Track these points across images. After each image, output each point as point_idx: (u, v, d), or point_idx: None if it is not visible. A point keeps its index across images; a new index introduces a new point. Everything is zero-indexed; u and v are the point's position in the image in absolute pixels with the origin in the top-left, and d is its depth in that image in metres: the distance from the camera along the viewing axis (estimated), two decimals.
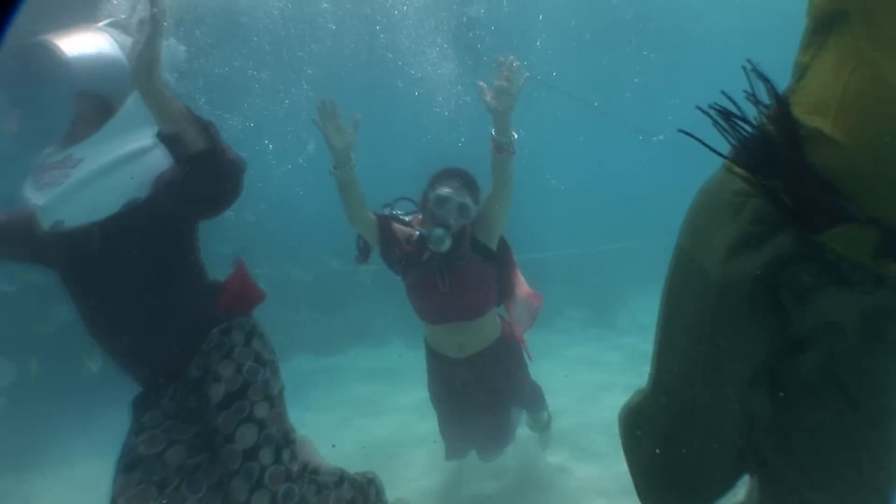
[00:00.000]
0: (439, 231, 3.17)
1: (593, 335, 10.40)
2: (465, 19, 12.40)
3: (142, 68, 1.92)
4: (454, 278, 3.34)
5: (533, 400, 4.33)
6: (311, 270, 11.50)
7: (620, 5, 15.01)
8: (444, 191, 3.22)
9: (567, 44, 16.32)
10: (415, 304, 3.57)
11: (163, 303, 2.32)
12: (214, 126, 2.07)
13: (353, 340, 10.22)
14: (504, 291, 3.63)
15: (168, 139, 2.03)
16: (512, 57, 2.92)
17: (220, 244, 10.73)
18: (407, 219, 3.48)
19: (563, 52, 16.24)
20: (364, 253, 3.42)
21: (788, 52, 1.69)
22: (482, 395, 3.81)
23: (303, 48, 11.47)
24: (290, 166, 11.92)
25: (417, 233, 3.33)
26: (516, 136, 3.03)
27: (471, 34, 12.90)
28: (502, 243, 3.51)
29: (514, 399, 4.10)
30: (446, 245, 3.17)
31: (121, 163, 2.20)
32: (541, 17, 14.73)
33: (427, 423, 4.88)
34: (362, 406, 7.16)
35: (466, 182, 3.31)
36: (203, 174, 2.08)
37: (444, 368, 3.77)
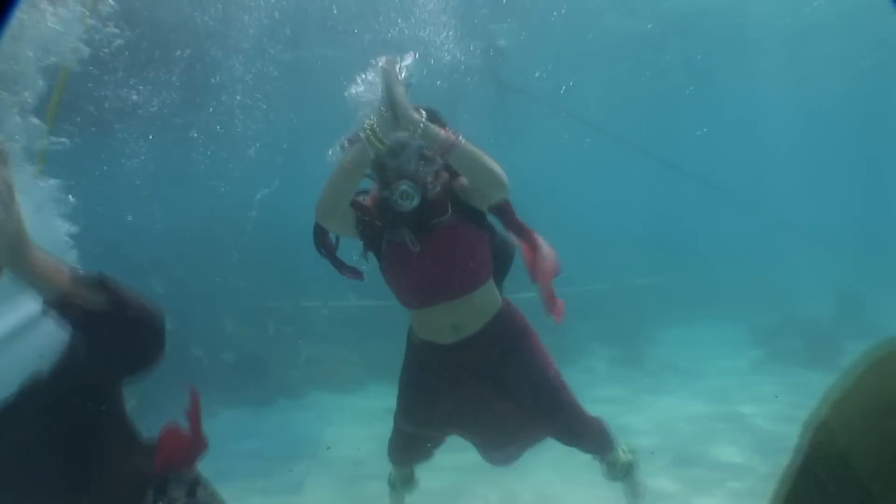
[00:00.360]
0: (405, 186, 2.65)
1: (620, 375, 10.23)
2: (491, 51, 12.57)
3: (2, 246, 1.64)
4: (431, 240, 2.78)
5: (572, 415, 3.19)
6: (329, 304, 11.54)
7: (648, 36, 15.07)
8: (399, 134, 2.60)
9: (593, 75, 16.38)
10: (394, 289, 3.00)
11: (97, 474, 2.11)
12: (111, 279, 1.85)
13: (370, 376, 10.16)
14: (519, 236, 3.05)
15: (57, 306, 1.77)
16: (382, 60, 2.53)
17: (237, 277, 10.72)
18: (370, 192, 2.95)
19: (589, 84, 16.30)
20: (352, 271, 2.94)
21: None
22: (482, 386, 3.08)
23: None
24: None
25: (381, 195, 2.76)
26: (448, 134, 2.58)
27: (497, 64, 13.07)
28: (505, 205, 2.93)
29: (536, 400, 3.11)
30: (415, 201, 2.66)
31: (9, 337, 1.94)
32: (562, 46, 14.84)
33: (456, 459, 4.58)
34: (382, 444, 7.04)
35: (426, 117, 2.66)
36: (110, 334, 1.86)
37: (430, 357, 3.09)
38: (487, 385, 3.08)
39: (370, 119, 2.52)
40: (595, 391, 9.01)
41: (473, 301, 2.94)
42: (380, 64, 2.50)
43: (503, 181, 2.69)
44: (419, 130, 2.50)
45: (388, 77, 2.47)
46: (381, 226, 2.82)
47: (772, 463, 6.35)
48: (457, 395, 3.11)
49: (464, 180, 2.82)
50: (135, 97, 11.35)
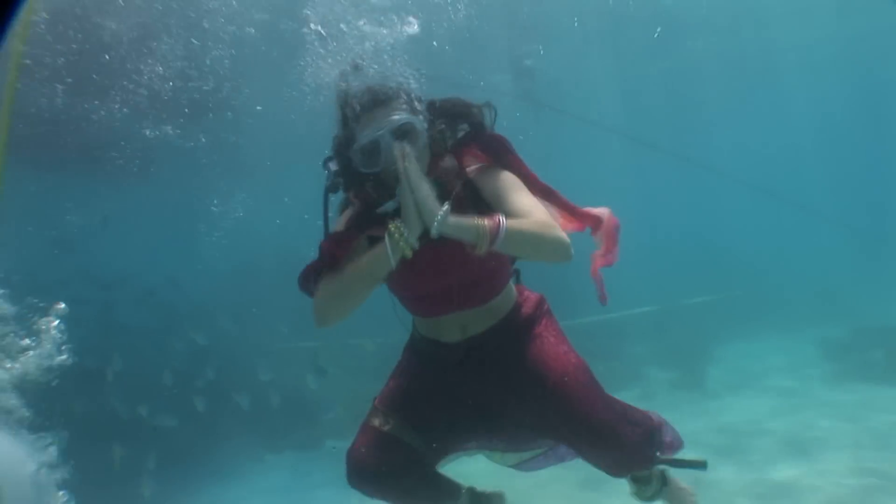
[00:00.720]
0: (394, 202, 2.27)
1: (681, 399, 9.94)
2: (521, 67, 12.66)
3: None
4: (444, 250, 2.31)
5: (595, 407, 2.47)
6: (376, 340, 11.53)
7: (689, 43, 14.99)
8: (365, 133, 2.29)
9: (630, 86, 16.33)
10: (399, 298, 2.64)
11: None
12: None
13: None
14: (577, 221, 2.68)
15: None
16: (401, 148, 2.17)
17: (280, 320, 10.80)
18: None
19: (625, 95, 16.25)
20: None
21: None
22: (489, 379, 2.60)
23: None
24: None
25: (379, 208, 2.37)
26: (486, 223, 2.18)
27: (527, 83, 13.14)
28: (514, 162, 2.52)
29: (550, 389, 2.50)
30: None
31: None
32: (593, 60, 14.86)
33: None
34: None
35: (391, 97, 2.33)
36: None
37: (433, 351, 2.66)
38: (495, 378, 2.60)
39: (397, 223, 2.17)
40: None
41: (490, 307, 2.60)
42: (398, 159, 2.13)
43: (565, 251, 2.31)
44: (450, 232, 2.15)
45: (410, 176, 2.12)
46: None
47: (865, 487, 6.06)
48: (459, 389, 2.62)
49: (486, 184, 2.45)
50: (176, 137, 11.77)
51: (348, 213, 2.48)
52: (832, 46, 16.74)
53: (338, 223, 2.48)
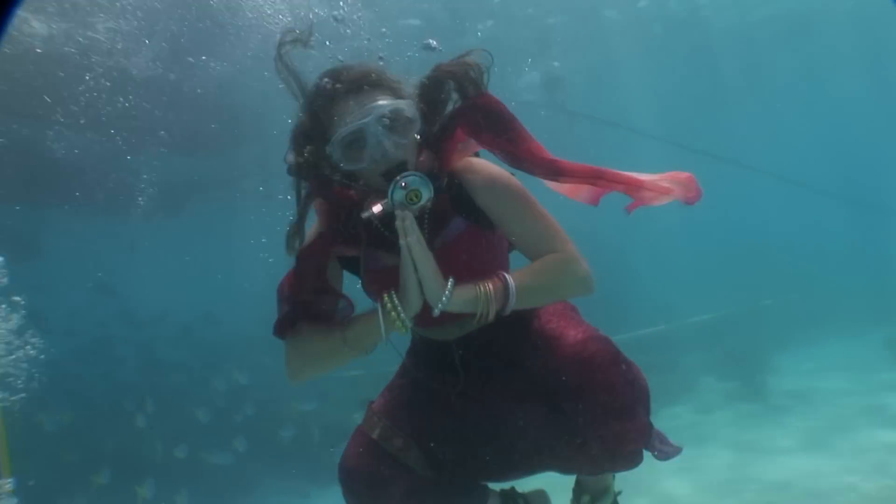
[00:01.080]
0: (410, 179, 1.87)
1: (742, 411, 9.61)
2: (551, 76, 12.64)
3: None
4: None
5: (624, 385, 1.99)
6: None
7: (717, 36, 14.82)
8: (347, 120, 1.92)
9: (664, 87, 16.16)
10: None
11: None
12: None
13: None
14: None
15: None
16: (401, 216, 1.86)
17: (303, 401, 10.87)
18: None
19: (660, 97, 16.07)
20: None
21: None
22: (494, 377, 2.21)
23: None
24: None
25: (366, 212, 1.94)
26: (491, 287, 1.93)
27: (556, 92, 13.07)
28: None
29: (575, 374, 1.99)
30: (427, 196, 1.89)
31: None
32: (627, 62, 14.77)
33: None
34: None
35: (375, 81, 1.97)
36: None
37: (428, 348, 2.30)
38: (499, 374, 2.20)
39: (391, 296, 1.92)
40: (715, 433, 8.50)
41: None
42: (399, 229, 1.84)
43: (586, 288, 2.06)
44: (456, 309, 1.91)
45: (413, 251, 1.85)
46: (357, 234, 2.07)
47: None
48: (462, 395, 2.23)
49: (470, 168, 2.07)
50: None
51: (314, 230, 2.10)
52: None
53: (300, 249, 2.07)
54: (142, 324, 13.63)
